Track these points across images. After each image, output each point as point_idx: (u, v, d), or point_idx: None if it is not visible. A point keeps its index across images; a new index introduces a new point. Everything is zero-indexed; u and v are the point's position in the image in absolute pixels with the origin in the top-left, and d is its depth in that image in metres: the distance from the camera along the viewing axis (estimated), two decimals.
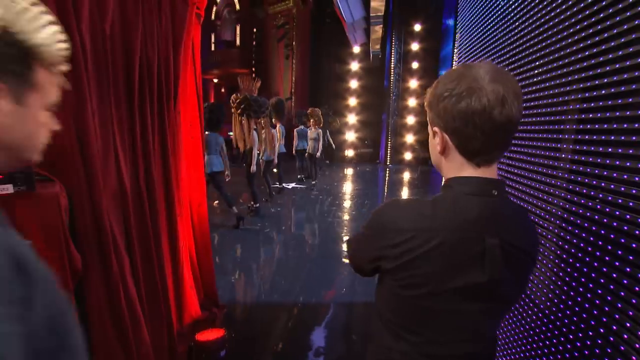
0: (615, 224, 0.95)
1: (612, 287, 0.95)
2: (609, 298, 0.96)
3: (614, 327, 0.94)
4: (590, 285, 1.04)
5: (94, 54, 1.11)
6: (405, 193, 7.80)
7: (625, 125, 0.95)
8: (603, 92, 1.04)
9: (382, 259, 0.79)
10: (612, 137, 1.00)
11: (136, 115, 1.44)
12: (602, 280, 0.99)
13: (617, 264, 0.94)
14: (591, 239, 1.04)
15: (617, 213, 0.95)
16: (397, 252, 0.76)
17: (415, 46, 11.39)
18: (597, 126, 1.06)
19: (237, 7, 14.45)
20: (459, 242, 0.73)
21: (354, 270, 0.94)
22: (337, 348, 2.42)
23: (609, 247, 0.97)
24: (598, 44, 1.05)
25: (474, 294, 0.76)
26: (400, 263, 0.76)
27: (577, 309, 1.09)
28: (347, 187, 8.39)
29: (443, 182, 0.83)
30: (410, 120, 11.67)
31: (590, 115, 1.09)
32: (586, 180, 1.07)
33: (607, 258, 0.98)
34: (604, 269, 0.98)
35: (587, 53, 1.10)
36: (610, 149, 1.00)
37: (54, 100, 0.64)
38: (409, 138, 11.84)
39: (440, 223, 0.74)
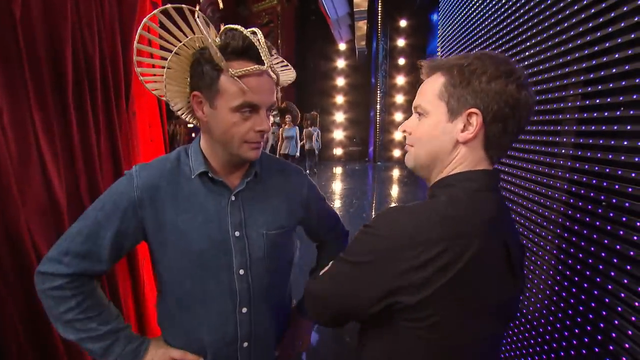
0: (621, 232, 0.80)
1: (619, 309, 0.80)
2: (619, 309, 0.81)
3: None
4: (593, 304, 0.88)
5: None
6: (395, 191, 7.68)
7: (631, 112, 0.80)
8: (604, 86, 0.88)
9: (400, 293, 0.56)
10: (615, 127, 0.85)
11: (72, 116, 1.25)
12: (607, 300, 0.84)
13: (625, 281, 0.79)
14: (592, 249, 0.89)
15: (624, 219, 0.80)
16: (426, 275, 0.54)
17: (401, 42, 11.27)
18: (605, 113, 0.89)
19: (221, 5, 14.14)
20: (490, 249, 0.57)
21: (321, 323, 0.68)
22: (330, 350, 2.37)
23: (615, 261, 0.82)
24: (600, 26, 0.89)
25: (503, 312, 0.61)
26: (433, 291, 0.54)
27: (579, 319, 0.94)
28: (337, 186, 8.24)
29: (436, 181, 0.66)
30: (398, 117, 11.55)
31: (596, 102, 0.93)
32: (593, 182, 0.92)
33: (612, 274, 0.83)
34: (609, 287, 0.83)
35: (588, 38, 0.94)
36: (612, 142, 0.85)
37: (236, 105, 0.75)
38: (398, 135, 11.72)
39: (472, 226, 0.56)
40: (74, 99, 1.26)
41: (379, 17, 11.02)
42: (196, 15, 0.76)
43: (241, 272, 0.85)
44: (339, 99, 11.97)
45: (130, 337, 0.85)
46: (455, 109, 0.63)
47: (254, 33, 0.77)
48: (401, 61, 11.34)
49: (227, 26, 0.77)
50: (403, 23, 11.23)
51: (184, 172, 0.84)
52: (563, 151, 1.02)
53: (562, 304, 0.99)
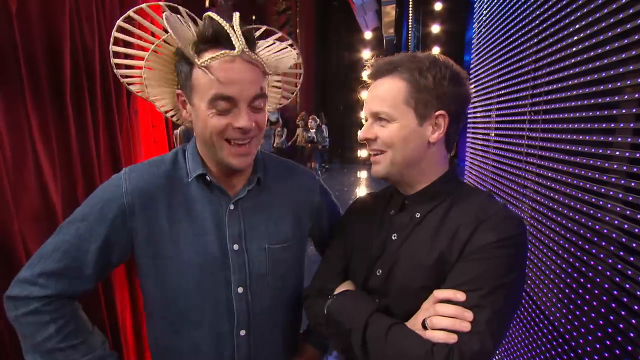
0: None
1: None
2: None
3: None
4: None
5: None
6: None
7: None
8: None
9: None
10: None
11: (69, 114, 1.30)
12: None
13: None
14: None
15: None
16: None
17: (435, 28, 11.11)
18: None
19: None
20: None
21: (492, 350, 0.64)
22: None
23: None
24: None
25: None
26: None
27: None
28: (361, 192, 8.21)
29: (437, 187, 0.79)
30: None
31: None
32: None
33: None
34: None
35: None
36: None
37: (209, 99, 0.74)
38: None
39: None
40: (72, 97, 1.32)
41: (410, 0, 10.93)
42: (166, 13, 0.75)
43: (240, 290, 0.83)
44: (364, 94, 11.95)
45: None
46: (424, 114, 0.75)
47: (229, 18, 0.75)
48: (436, 50, 11.20)
49: (206, 14, 0.76)
50: (438, 6, 11.07)
51: (180, 175, 0.84)
52: (617, 153, 0.99)
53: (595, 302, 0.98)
